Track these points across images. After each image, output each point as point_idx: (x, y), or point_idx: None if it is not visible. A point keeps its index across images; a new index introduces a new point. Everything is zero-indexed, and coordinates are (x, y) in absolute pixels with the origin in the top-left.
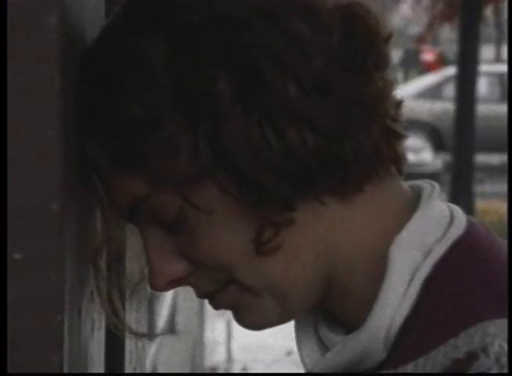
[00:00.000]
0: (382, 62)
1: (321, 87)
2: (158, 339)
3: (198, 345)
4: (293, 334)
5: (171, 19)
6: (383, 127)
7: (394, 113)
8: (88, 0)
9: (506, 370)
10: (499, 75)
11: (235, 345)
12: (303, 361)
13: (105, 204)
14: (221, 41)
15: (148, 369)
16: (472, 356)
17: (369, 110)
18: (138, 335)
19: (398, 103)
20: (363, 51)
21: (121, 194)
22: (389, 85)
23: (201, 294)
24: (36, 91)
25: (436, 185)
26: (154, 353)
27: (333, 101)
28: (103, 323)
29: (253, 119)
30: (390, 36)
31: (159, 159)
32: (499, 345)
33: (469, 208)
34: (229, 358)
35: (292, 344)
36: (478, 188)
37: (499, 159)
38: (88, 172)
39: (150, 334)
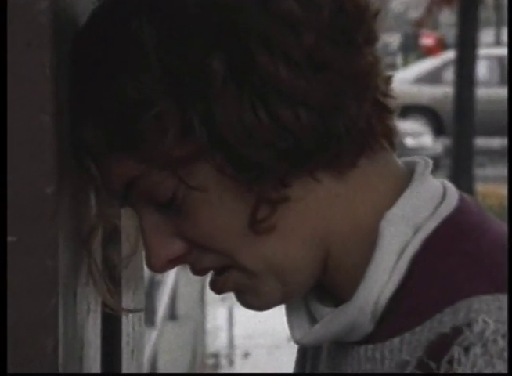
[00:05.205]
0: (371, 37)
1: (313, 63)
2: (159, 325)
3: (199, 331)
4: None
5: (162, 2)
6: (374, 101)
7: (385, 88)
8: None
9: (489, 345)
10: (499, 58)
11: (236, 331)
12: (292, 333)
13: (99, 187)
14: (210, 23)
15: (148, 355)
16: (457, 331)
17: (360, 84)
18: (133, 311)
19: (388, 78)
20: (353, 26)
21: (116, 175)
22: (378, 61)
23: (197, 272)
24: (28, 76)
25: (430, 161)
26: (155, 340)
27: (325, 77)
28: (99, 306)
29: (245, 99)
30: (378, 11)
31: (152, 139)
32: (483, 320)
33: (469, 192)
34: (231, 344)
35: None
36: (478, 172)
37: (499, 142)
38: (82, 155)
39: (142, 309)
